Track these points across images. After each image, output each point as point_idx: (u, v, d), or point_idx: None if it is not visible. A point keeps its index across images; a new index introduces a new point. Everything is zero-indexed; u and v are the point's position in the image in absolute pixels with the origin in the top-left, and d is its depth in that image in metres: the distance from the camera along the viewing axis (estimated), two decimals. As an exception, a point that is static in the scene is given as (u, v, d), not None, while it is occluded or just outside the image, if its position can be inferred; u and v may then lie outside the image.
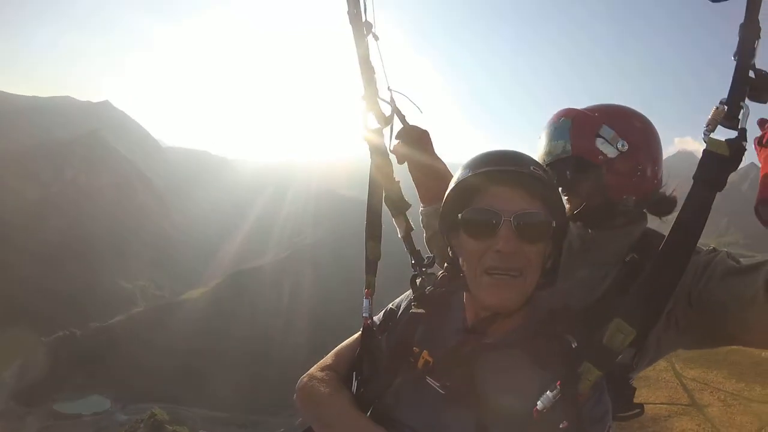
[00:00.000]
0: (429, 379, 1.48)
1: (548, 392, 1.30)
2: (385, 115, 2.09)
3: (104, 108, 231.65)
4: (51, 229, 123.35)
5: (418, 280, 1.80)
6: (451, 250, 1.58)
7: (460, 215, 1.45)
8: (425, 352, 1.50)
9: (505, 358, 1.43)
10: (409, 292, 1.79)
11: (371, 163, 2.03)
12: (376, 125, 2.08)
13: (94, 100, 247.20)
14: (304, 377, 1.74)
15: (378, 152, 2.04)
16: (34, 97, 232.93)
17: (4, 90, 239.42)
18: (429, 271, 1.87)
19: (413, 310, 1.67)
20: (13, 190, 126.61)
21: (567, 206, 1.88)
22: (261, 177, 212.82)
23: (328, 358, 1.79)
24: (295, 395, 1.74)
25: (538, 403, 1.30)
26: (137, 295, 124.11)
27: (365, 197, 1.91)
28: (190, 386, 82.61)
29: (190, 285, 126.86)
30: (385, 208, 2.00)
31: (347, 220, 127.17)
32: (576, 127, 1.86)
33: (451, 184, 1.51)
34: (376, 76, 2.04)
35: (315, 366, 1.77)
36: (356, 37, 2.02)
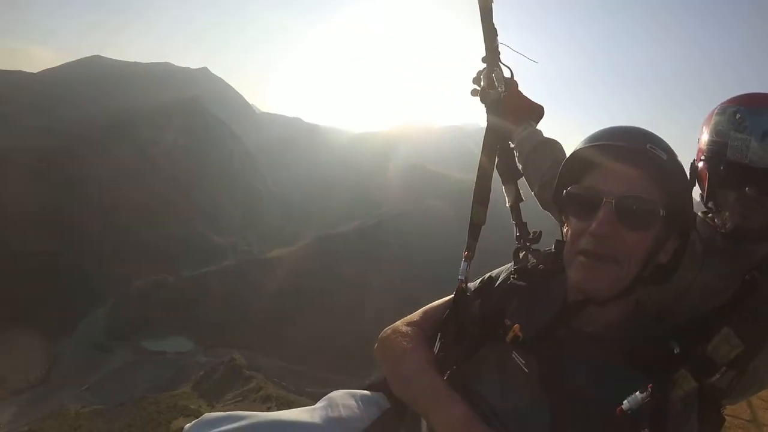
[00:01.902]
0: (515, 354, 1.43)
1: (637, 393, 1.20)
2: (505, 77, 2.03)
3: (202, 74, 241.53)
4: (149, 186, 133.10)
5: (521, 254, 1.73)
6: (563, 225, 1.51)
7: (565, 191, 1.39)
8: (516, 326, 1.44)
9: (598, 349, 1.35)
10: (509, 264, 1.72)
11: (487, 125, 2.02)
12: (494, 88, 2.04)
13: (193, 67, 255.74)
14: (388, 329, 1.71)
15: (494, 114, 2.01)
16: (136, 63, 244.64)
17: (108, 56, 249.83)
18: (533, 246, 1.79)
19: (512, 281, 1.61)
20: (114, 150, 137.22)
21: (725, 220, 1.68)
22: (351, 146, 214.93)
23: (415, 315, 1.76)
24: (375, 345, 1.71)
25: (625, 402, 1.20)
26: (228, 249, 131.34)
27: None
28: (269, 338, 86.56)
29: (276, 244, 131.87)
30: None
31: (433, 195, 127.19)
32: None
33: (567, 156, 1.44)
34: (498, 39, 1.99)
35: (401, 320, 1.74)
36: None
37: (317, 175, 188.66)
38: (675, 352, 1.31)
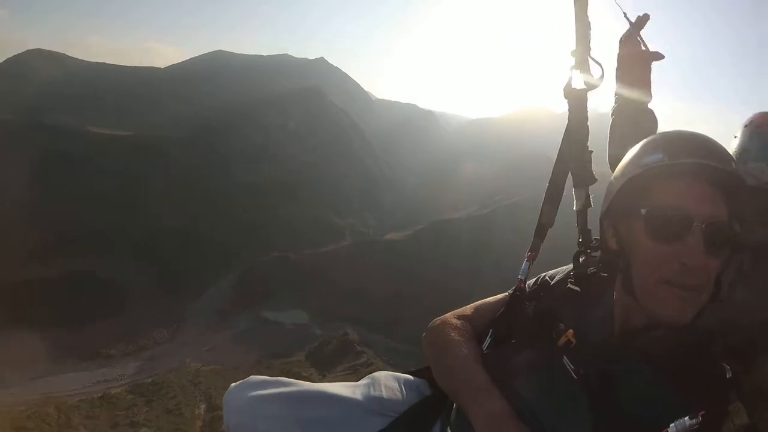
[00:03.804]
0: (565, 360, 1.38)
1: (686, 418, 1.14)
2: (592, 76, 1.91)
3: (319, 64, 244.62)
4: (273, 169, 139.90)
5: (581, 258, 1.67)
6: (615, 237, 1.39)
7: (643, 210, 1.25)
8: (570, 332, 1.41)
9: (649, 366, 1.28)
10: (567, 267, 1.69)
11: (567, 124, 1.90)
12: (581, 85, 1.93)
13: (310, 57, 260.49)
14: (438, 320, 1.72)
15: (577, 114, 1.89)
16: (256, 56, 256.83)
17: (231, 50, 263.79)
18: (593, 254, 1.69)
19: (570, 286, 1.56)
20: (239, 136, 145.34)
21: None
22: (466, 132, 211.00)
23: (467, 308, 1.76)
24: (424, 334, 1.71)
25: (671, 426, 1.15)
26: (346, 230, 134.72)
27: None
28: (380, 317, 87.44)
29: (391, 228, 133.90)
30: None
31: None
32: None
33: (633, 165, 1.31)
34: (590, 32, 1.89)
35: (452, 312, 1.75)
36: None
37: (432, 160, 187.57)
38: (728, 376, 1.24)
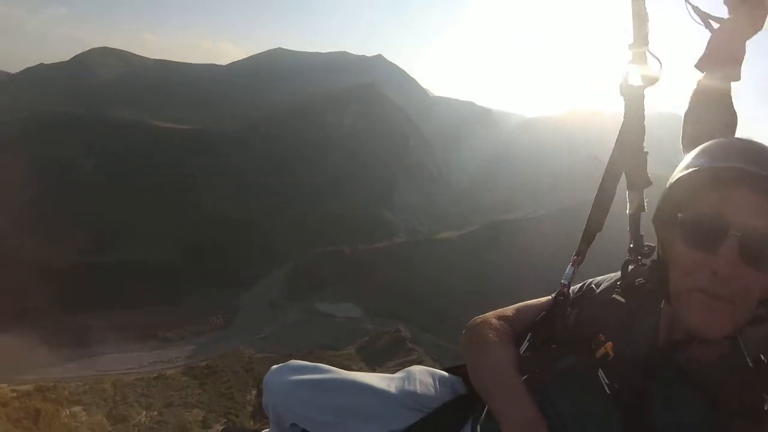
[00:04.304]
0: (600, 372, 1.35)
1: None
2: (650, 72, 1.77)
3: (377, 61, 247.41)
4: (330, 164, 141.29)
5: (630, 267, 1.58)
6: (660, 245, 1.37)
7: (680, 214, 1.21)
8: (610, 344, 1.37)
9: (686, 386, 1.24)
10: (614, 275, 1.62)
11: (622, 123, 1.79)
12: (638, 82, 1.79)
13: (368, 54, 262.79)
14: (478, 319, 1.69)
15: (633, 113, 1.77)
16: (316, 53, 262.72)
17: (290, 48, 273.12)
18: (644, 261, 1.62)
19: (614, 296, 1.50)
20: (299, 131, 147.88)
21: None
22: (523, 131, 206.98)
23: (508, 310, 1.73)
24: (462, 332, 1.70)
25: None
26: (400, 227, 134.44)
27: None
28: (431, 315, 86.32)
29: (445, 226, 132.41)
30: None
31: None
32: None
33: (680, 169, 1.25)
34: (648, 25, 1.76)
35: (492, 312, 1.72)
36: None
37: (487, 159, 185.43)
38: (765, 408, 1.17)
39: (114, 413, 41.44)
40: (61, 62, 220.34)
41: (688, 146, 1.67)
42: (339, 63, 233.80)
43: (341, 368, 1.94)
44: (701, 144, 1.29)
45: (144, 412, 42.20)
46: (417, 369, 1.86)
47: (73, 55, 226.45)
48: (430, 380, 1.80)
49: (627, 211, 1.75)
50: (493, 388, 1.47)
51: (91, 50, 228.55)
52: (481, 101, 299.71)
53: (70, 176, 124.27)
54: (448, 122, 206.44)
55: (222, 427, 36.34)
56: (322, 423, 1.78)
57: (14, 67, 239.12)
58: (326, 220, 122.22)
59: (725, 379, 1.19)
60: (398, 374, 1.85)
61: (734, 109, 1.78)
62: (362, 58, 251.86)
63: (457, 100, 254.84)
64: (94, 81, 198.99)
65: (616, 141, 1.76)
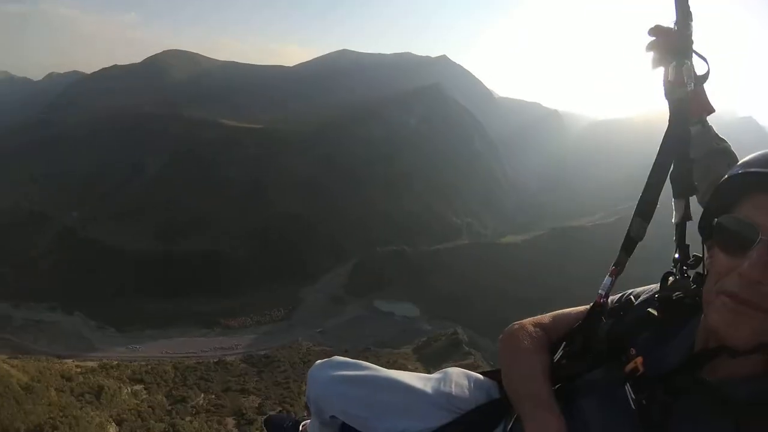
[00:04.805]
0: (628, 387, 1.34)
1: None
2: (695, 72, 1.66)
3: (441, 62, 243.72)
4: (395, 165, 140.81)
5: (670, 278, 1.53)
6: (706, 255, 1.36)
7: (716, 220, 1.21)
8: (639, 359, 1.34)
9: (714, 405, 1.19)
10: (654, 286, 1.58)
11: (667, 127, 1.69)
12: (683, 84, 1.67)
13: (432, 55, 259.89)
14: (515, 324, 1.71)
15: (678, 116, 1.68)
16: (380, 54, 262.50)
17: (354, 49, 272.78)
18: (687, 273, 1.56)
19: (650, 310, 1.46)
20: (363, 132, 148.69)
21: None
22: (593, 134, 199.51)
23: (546, 317, 1.75)
24: (500, 336, 1.72)
25: None
26: (463, 229, 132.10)
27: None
28: (491, 320, 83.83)
29: (510, 230, 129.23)
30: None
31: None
32: None
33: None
34: (693, 23, 1.65)
35: (530, 319, 1.74)
36: None
37: (555, 162, 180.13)
38: None
39: (174, 394, 42.54)
40: (134, 64, 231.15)
41: (702, 189, 1.67)
42: (403, 64, 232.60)
43: (397, 367, 2.07)
44: (711, 181, 1.33)
45: (202, 395, 43.08)
46: (454, 371, 1.88)
47: (145, 57, 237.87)
48: (466, 383, 1.82)
49: (673, 220, 1.67)
50: (523, 395, 1.48)
51: (162, 52, 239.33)
52: (548, 102, 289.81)
53: (143, 171, 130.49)
54: (513, 124, 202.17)
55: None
56: (357, 417, 1.86)
57: (89, 69, 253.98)
58: (390, 219, 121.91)
59: (757, 397, 1.14)
60: (435, 374, 1.88)
61: (718, 136, 1.76)
62: (426, 59, 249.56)
63: (522, 101, 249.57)
64: (166, 82, 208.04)
65: (660, 146, 1.66)
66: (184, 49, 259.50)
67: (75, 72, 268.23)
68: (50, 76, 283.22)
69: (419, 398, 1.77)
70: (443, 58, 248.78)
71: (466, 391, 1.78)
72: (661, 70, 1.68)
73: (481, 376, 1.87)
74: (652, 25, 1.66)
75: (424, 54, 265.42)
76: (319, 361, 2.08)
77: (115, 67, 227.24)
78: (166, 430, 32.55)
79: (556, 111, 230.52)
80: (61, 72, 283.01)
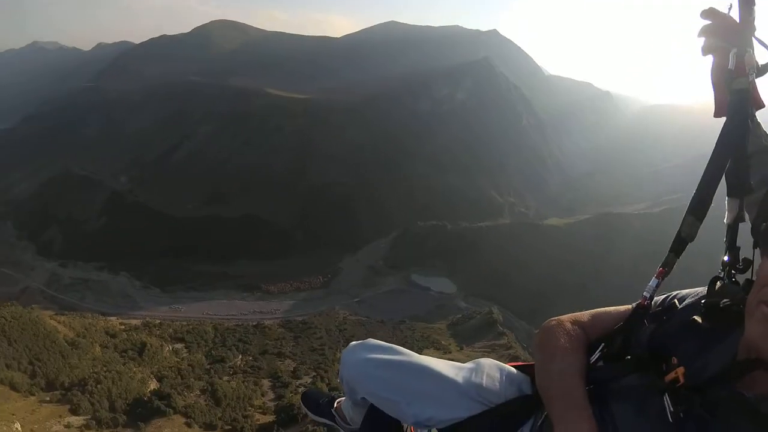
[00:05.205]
0: (666, 398, 1.29)
1: None
2: (757, 62, 1.54)
3: (492, 36, 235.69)
4: (440, 139, 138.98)
5: (718, 283, 1.45)
6: (758, 260, 1.31)
7: (764, 225, 1.20)
8: (681, 369, 1.30)
9: (751, 420, 1.15)
10: (701, 290, 1.51)
11: (725, 120, 1.57)
12: (745, 73, 1.56)
13: (483, 29, 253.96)
14: (553, 320, 1.67)
15: (737, 109, 1.55)
16: (428, 27, 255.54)
17: (401, 21, 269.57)
18: (736, 278, 1.48)
19: (695, 317, 1.37)
20: (408, 105, 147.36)
21: None
22: (646, 119, 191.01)
23: (585, 315, 1.69)
24: (536, 331, 1.71)
25: None
26: (505, 208, 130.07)
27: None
28: (528, 302, 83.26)
29: (553, 212, 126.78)
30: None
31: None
32: None
33: None
34: (755, 8, 1.55)
35: (569, 315, 1.69)
36: None
37: (605, 146, 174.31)
38: None
39: (213, 354, 43.80)
40: (182, 34, 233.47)
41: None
42: (452, 37, 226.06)
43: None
44: (758, 180, 1.30)
45: (240, 356, 44.24)
46: (487, 362, 1.88)
47: (193, 27, 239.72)
48: (498, 375, 1.81)
49: (725, 221, 1.56)
50: (555, 394, 1.45)
51: (211, 22, 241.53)
52: (600, 83, 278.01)
53: (191, 138, 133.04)
54: (563, 103, 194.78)
55: (310, 380, 37.00)
56: (387, 400, 1.88)
57: (138, 38, 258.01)
58: (433, 194, 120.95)
59: None
60: (468, 364, 1.87)
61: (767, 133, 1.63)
62: (476, 33, 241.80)
63: (573, 79, 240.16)
64: (214, 51, 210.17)
65: (717, 140, 1.55)
66: (230, 19, 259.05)
67: (124, 42, 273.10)
68: (99, 45, 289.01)
69: (449, 387, 1.76)
70: (493, 33, 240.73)
71: (497, 384, 1.77)
72: (710, 57, 1.57)
73: (514, 370, 1.85)
74: (706, 8, 1.54)
75: (473, 28, 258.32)
76: (353, 342, 2.13)
77: (163, 37, 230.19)
78: (205, 389, 33.40)
79: (608, 92, 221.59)
80: (110, 42, 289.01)
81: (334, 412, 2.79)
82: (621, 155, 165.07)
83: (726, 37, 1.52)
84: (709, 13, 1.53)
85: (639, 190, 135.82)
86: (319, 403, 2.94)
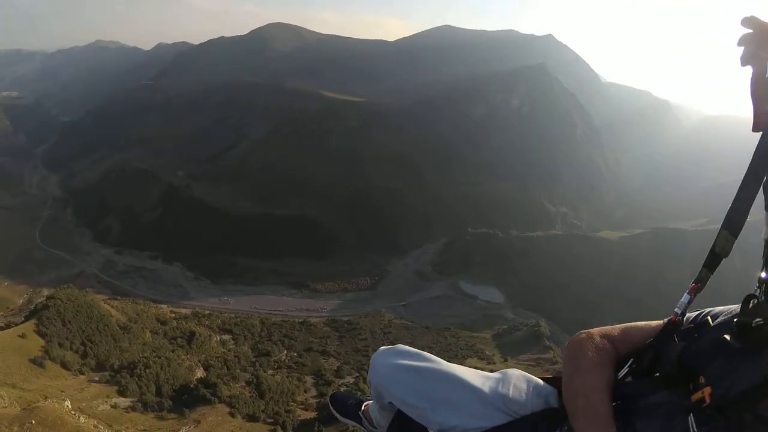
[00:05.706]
0: (691, 418, 1.29)
1: None
2: None
3: (547, 41, 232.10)
4: (493, 146, 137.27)
5: (753, 302, 1.39)
6: None
7: None
8: (708, 389, 1.28)
9: None
10: (735, 307, 1.47)
11: (763, 133, 1.51)
12: None
13: (538, 34, 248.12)
14: (583, 333, 1.66)
15: None
16: (483, 31, 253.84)
17: (456, 25, 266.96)
18: None
19: (726, 336, 1.33)
20: (461, 109, 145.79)
21: None
22: (706, 130, 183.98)
23: (615, 329, 1.68)
24: (566, 343, 1.69)
25: None
26: (557, 218, 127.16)
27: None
28: (577, 315, 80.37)
29: (606, 225, 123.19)
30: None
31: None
32: None
33: None
34: None
35: (600, 329, 1.67)
36: None
37: (663, 157, 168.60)
38: None
39: (259, 347, 44.47)
40: (240, 35, 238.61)
41: None
42: (507, 42, 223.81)
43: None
44: None
45: (285, 352, 44.74)
46: (514, 372, 1.88)
47: (251, 29, 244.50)
48: (525, 386, 1.80)
49: (763, 236, 1.46)
50: (580, 409, 1.43)
51: (267, 25, 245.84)
52: (659, 92, 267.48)
53: (246, 137, 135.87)
54: (620, 111, 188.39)
55: (353, 380, 36.79)
56: (413, 406, 1.88)
57: (196, 39, 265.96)
58: (484, 201, 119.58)
59: None
60: (495, 374, 1.87)
61: None
62: (531, 38, 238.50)
63: (631, 87, 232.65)
64: (270, 53, 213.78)
65: (754, 153, 1.50)
66: (286, 22, 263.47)
67: (183, 42, 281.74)
68: (159, 45, 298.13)
69: (475, 396, 1.75)
70: (549, 38, 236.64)
71: (524, 395, 1.75)
72: (749, 67, 1.45)
73: (541, 382, 1.84)
74: (747, 16, 1.40)
75: (529, 32, 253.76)
76: (383, 347, 2.15)
77: (221, 38, 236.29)
78: (250, 380, 33.70)
79: (666, 101, 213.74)
80: (170, 42, 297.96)
81: (361, 415, 2.76)
82: (678, 167, 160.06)
83: (767, 47, 1.38)
84: (751, 21, 1.39)
85: (695, 204, 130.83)
86: (346, 404, 2.91)
